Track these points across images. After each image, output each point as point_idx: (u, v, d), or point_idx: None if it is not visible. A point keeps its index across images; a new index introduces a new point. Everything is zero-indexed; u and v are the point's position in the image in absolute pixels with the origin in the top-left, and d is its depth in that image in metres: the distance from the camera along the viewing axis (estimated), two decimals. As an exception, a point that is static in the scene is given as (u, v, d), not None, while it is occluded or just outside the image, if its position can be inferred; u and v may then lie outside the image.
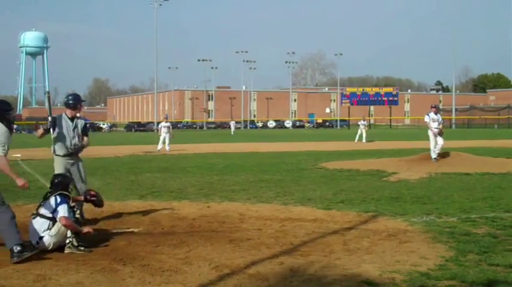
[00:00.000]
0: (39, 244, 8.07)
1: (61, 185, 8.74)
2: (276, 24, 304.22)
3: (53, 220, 8.20)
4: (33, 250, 7.57)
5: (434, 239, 8.64)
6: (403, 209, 11.51)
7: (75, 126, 10.24)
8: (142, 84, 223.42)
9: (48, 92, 11.13)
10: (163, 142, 33.98)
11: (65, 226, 8.13)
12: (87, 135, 10.48)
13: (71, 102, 10.28)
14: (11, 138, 8.06)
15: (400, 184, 15.90)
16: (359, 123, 48.67)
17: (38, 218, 8.26)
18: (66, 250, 8.03)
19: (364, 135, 45.51)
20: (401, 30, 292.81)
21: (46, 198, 8.53)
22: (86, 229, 8.37)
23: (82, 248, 8.06)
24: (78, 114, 10.43)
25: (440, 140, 21.66)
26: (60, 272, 6.95)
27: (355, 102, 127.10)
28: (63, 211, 8.24)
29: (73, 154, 10.24)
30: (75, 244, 8.07)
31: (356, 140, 45.11)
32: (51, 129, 10.01)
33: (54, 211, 8.25)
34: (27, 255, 7.45)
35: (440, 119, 22.18)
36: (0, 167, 7.79)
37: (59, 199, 8.39)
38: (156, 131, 38.74)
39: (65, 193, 8.63)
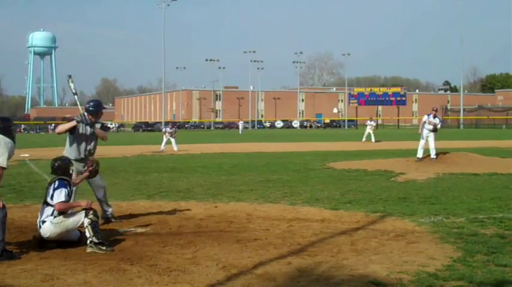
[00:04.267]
0: (41, 228, 8.26)
1: (60, 169, 8.78)
2: (284, 24, 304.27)
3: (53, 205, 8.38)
4: (11, 259, 7.52)
5: (442, 239, 8.63)
6: (411, 209, 11.49)
7: (93, 132, 10.17)
8: (150, 84, 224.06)
9: (69, 76, 10.77)
10: (167, 143, 34.30)
11: (59, 210, 8.28)
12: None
13: (92, 108, 10.13)
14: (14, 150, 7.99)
15: (408, 184, 15.88)
16: (366, 123, 48.87)
17: (45, 205, 8.44)
18: (88, 249, 8.07)
19: (372, 135, 45.64)
20: (409, 30, 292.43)
21: (50, 184, 8.65)
22: (84, 203, 8.44)
23: (104, 247, 8.10)
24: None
25: (430, 142, 22.30)
26: (68, 272, 6.97)
27: (363, 103, 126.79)
28: (57, 196, 8.35)
29: (85, 158, 10.13)
30: (96, 241, 8.10)
31: (363, 140, 45.30)
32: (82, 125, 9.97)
33: (52, 197, 8.38)
34: (0, 261, 7.41)
35: (437, 122, 22.77)
36: None
37: (57, 183, 8.53)
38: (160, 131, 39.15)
39: (65, 177, 8.70)
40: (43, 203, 8.55)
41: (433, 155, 22.00)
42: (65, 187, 8.52)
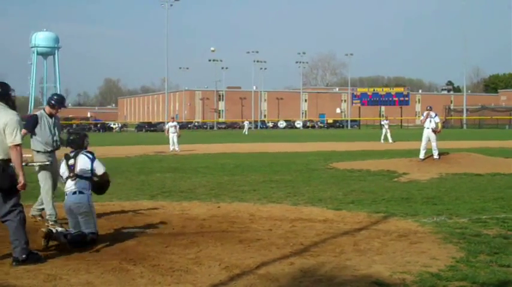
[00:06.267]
0: (75, 194, 8.57)
1: (75, 142, 8.93)
2: (287, 25, 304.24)
3: (91, 179, 8.69)
4: (37, 261, 7.47)
5: (445, 239, 8.62)
6: (414, 209, 11.49)
7: (55, 124, 10.31)
8: (153, 85, 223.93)
9: None
10: (173, 142, 34.09)
11: (104, 179, 8.83)
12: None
13: (52, 102, 10.31)
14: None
15: (411, 184, 15.87)
16: (382, 123, 48.50)
17: (77, 179, 8.64)
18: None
19: (382, 134, 45.39)
20: (412, 30, 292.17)
21: (70, 157, 8.78)
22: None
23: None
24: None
25: (432, 142, 22.35)
26: (70, 272, 6.97)
27: (366, 103, 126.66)
28: (100, 167, 8.77)
29: (52, 151, 10.30)
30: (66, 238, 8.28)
31: (390, 141, 44.42)
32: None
33: (92, 170, 8.68)
34: (27, 264, 7.35)
35: (435, 119, 22.89)
36: (13, 158, 7.40)
37: (90, 156, 8.77)
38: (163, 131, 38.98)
39: (89, 150, 8.91)
40: (72, 178, 8.66)
41: (435, 156, 21.97)
42: (96, 158, 8.82)
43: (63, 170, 8.83)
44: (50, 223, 9.95)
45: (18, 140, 7.40)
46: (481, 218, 10.40)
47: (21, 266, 7.24)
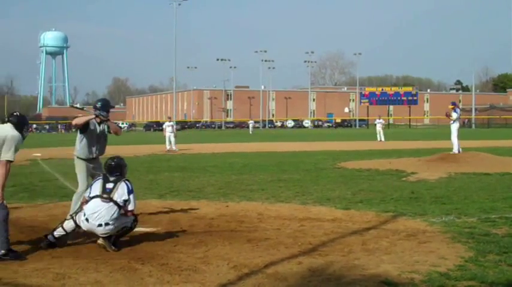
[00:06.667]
0: (100, 226, 8.10)
1: (119, 168, 8.73)
2: (295, 24, 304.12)
3: (120, 207, 8.31)
4: (17, 258, 7.52)
5: (453, 239, 8.60)
6: (423, 209, 11.46)
7: (102, 132, 10.02)
8: (162, 84, 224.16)
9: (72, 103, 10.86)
10: (170, 142, 33.99)
11: (128, 221, 8.46)
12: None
13: (99, 106, 9.93)
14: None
15: (419, 183, 15.83)
16: (375, 122, 49.63)
17: (112, 203, 8.24)
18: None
19: (382, 133, 46.46)
20: (420, 29, 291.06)
21: (110, 181, 8.48)
22: None
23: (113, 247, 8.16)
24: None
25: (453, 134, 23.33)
26: (79, 271, 6.99)
27: (374, 102, 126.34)
28: (133, 203, 8.49)
29: (95, 158, 10.02)
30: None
31: (381, 140, 46.30)
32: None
33: (127, 200, 8.38)
34: (5, 259, 7.42)
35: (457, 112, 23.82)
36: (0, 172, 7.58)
37: (130, 187, 8.51)
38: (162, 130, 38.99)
39: (128, 179, 8.68)
40: (105, 200, 8.27)
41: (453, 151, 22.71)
42: (134, 192, 8.57)
43: (96, 189, 8.45)
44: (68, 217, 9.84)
45: (9, 157, 7.62)
46: (490, 217, 10.36)
47: (30, 265, 7.27)
